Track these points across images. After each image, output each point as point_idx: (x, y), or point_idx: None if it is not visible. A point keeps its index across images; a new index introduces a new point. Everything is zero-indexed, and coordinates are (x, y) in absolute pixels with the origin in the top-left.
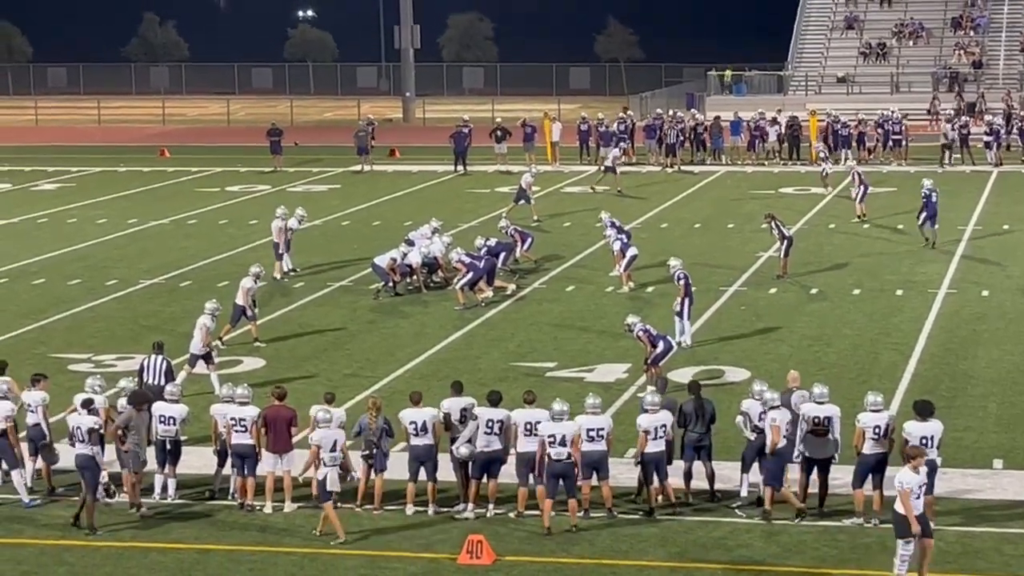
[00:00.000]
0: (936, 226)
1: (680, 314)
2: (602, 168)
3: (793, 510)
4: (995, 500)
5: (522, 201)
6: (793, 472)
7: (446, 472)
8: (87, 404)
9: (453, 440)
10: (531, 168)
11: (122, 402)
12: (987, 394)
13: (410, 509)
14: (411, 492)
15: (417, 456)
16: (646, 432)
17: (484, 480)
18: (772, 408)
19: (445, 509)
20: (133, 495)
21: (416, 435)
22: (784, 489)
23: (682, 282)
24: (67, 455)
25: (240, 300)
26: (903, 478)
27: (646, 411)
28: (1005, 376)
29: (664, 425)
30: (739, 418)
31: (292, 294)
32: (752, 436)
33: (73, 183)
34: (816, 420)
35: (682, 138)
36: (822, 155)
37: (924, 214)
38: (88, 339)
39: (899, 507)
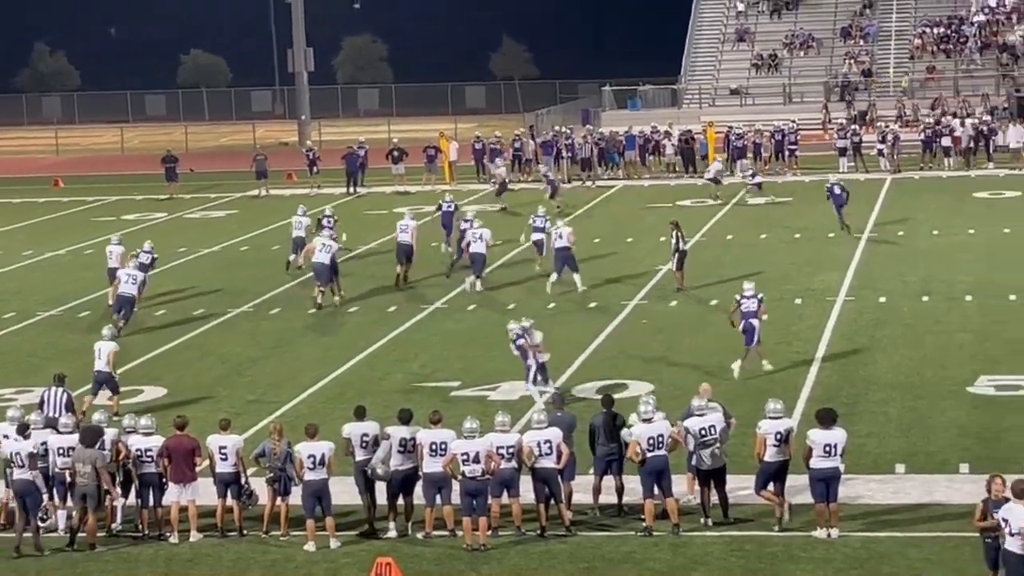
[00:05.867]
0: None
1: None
2: (495, 184)
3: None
4: (898, 504)
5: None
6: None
7: (348, 497)
8: (22, 430)
9: (360, 463)
10: (435, 189)
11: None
12: (888, 399)
13: (311, 546)
14: (311, 528)
15: (314, 491)
16: (531, 449)
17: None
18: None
19: (352, 532)
20: (91, 534)
21: (312, 469)
22: (672, 499)
23: (521, 344)
24: None
25: (107, 367)
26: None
27: (533, 428)
28: (905, 381)
29: (549, 441)
30: (624, 431)
31: (191, 320)
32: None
33: None
34: (702, 431)
35: (592, 153)
36: (722, 167)
37: (834, 206)
38: None
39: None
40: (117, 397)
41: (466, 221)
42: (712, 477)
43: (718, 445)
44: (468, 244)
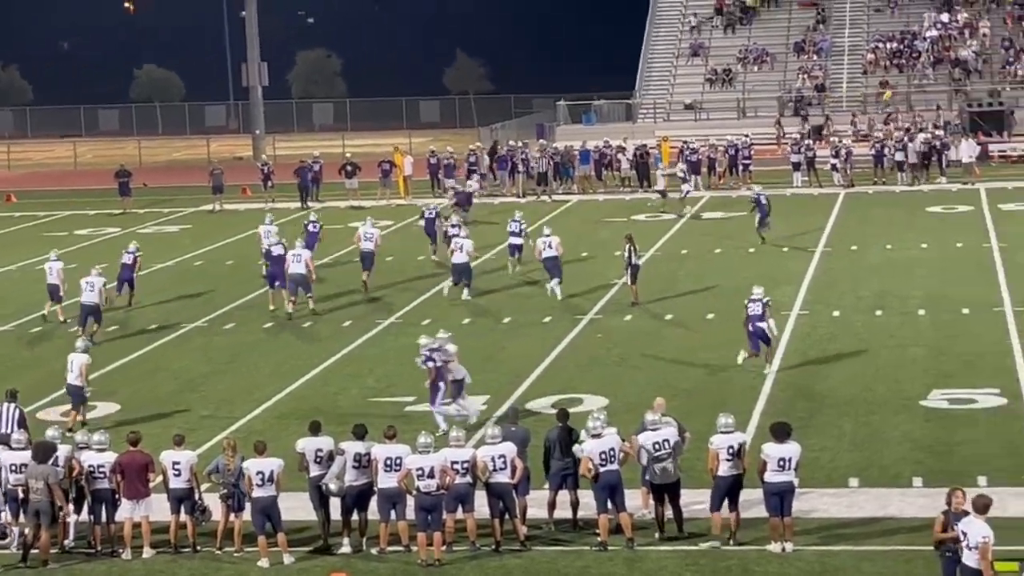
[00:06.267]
0: (767, 228)
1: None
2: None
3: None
4: (852, 518)
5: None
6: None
7: (302, 513)
8: None
9: (314, 479)
10: (391, 204)
11: None
12: (841, 414)
13: (265, 562)
14: (263, 544)
15: (262, 508)
16: (485, 464)
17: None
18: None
19: (306, 548)
20: (44, 551)
21: (261, 486)
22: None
23: (431, 364)
24: None
25: (79, 380)
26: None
27: (487, 443)
28: (858, 395)
29: (503, 456)
30: (576, 447)
31: (145, 335)
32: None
33: None
34: (656, 445)
35: (547, 168)
36: (682, 176)
37: (758, 216)
38: None
39: None
40: (75, 413)
41: (453, 227)
42: (666, 491)
43: (672, 459)
44: (452, 252)
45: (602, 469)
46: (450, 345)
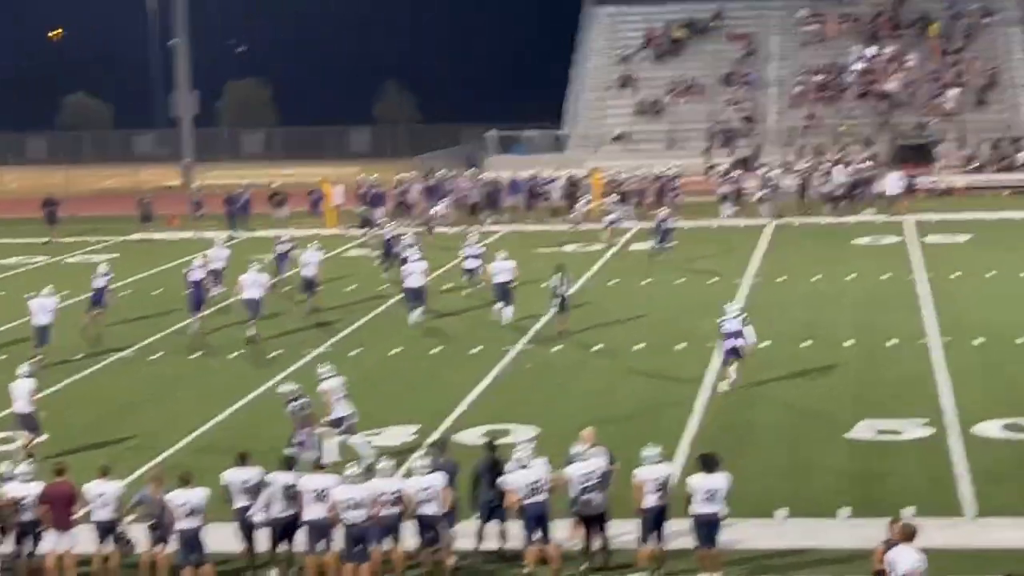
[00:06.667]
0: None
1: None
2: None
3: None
4: (781, 548)
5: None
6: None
7: (229, 544)
8: None
9: (241, 510)
10: (319, 233)
11: None
12: (770, 444)
13: None
14: None
15: (187, 540)
16: (413, 495)
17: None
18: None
19: None
20: None
21: (187, 517)
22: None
23: (302, 413)
24: None
25: (27, 407)
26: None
27: (415, 474)
28: (787, 425)
29: (431, 487)
30: (500, 479)
31: (71, 365)
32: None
33: None
34: (584, 477)
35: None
36: (613, 207)
37: (657, 237)
38: None
39: None
40: (31, 439)
41: (409, 247)
42: (594, 522)
43: (599, 490)
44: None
45: (528, 500)
46: (335, 380)
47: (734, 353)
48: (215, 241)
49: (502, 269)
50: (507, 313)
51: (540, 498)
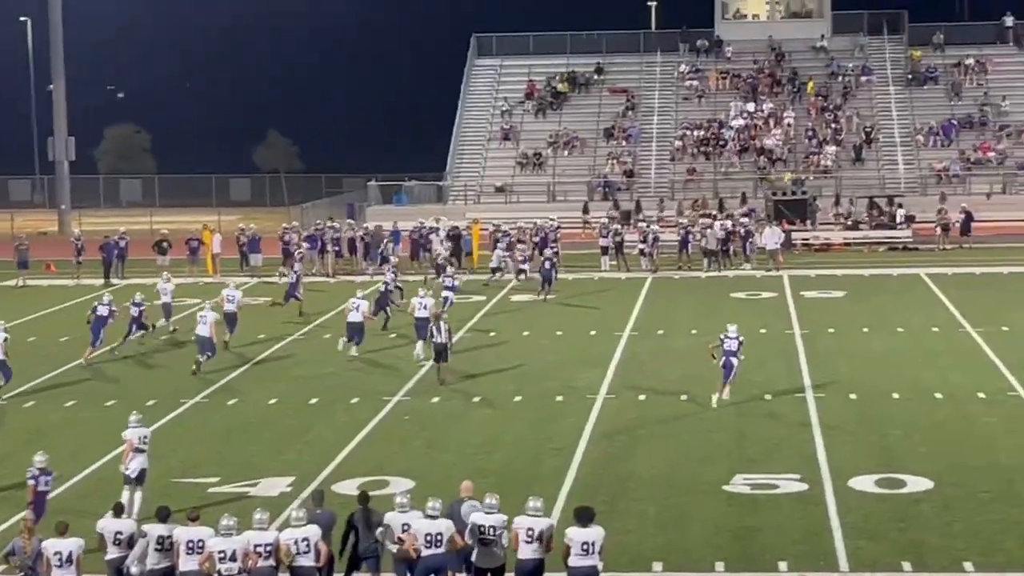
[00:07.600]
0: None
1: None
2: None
3: None
4: None
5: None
6: None
7: None
8: None
9: (114, 561)
10: (198, 282)
11: None
12: (646, 497)
13: None
14: None
15: None
16: (288, 547)
17: None
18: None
19: None
20: None
21: (60, 567)
22: None
23: (32, 483)
24: None
25: None
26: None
27: (291, 526)
28: (663, 478)
29: (307, 539)
30: (379, 530)
31: None
32: (394, 549)
33: None
34: (482, 529)
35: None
36: (497, 259)
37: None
38: None
39: None
40: None
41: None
42: (491, 574)
43: (498, 543)
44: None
45: (426, 552)
46: (142, 428)
47: (728, 369)
48: (161, 276)
49: (421, 306)
50: (419, 348)
51: (438, 551)
